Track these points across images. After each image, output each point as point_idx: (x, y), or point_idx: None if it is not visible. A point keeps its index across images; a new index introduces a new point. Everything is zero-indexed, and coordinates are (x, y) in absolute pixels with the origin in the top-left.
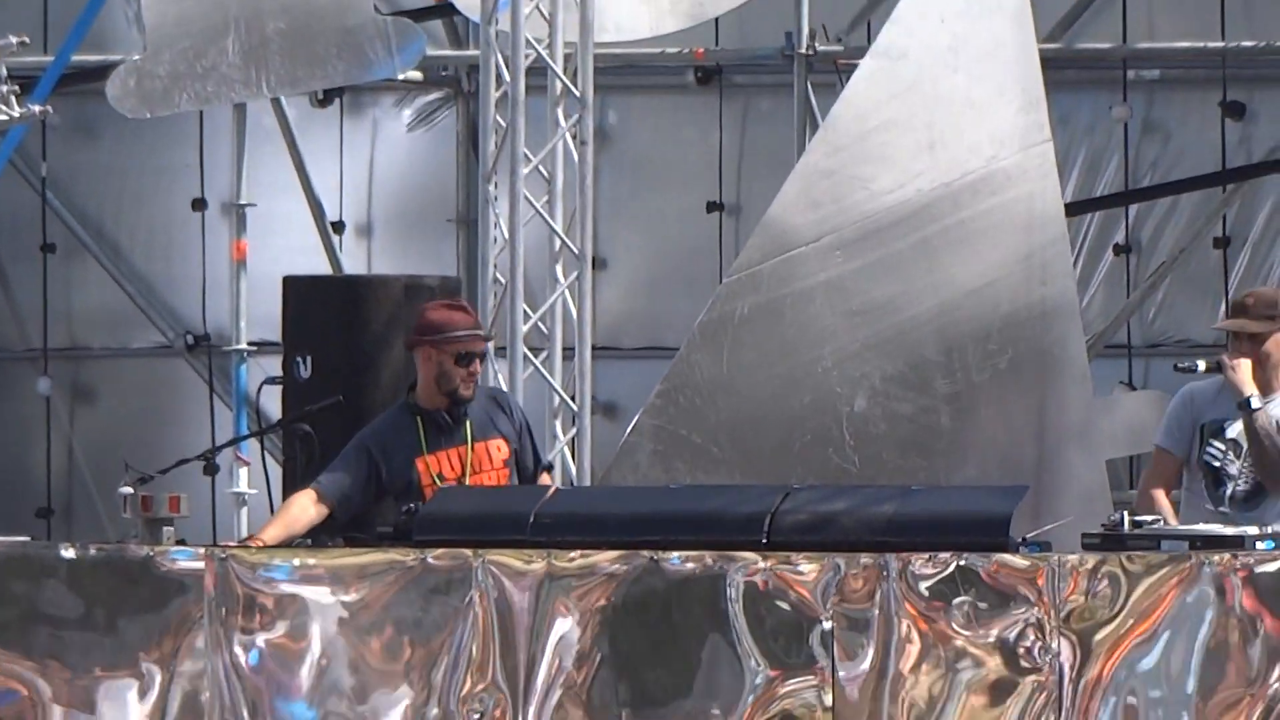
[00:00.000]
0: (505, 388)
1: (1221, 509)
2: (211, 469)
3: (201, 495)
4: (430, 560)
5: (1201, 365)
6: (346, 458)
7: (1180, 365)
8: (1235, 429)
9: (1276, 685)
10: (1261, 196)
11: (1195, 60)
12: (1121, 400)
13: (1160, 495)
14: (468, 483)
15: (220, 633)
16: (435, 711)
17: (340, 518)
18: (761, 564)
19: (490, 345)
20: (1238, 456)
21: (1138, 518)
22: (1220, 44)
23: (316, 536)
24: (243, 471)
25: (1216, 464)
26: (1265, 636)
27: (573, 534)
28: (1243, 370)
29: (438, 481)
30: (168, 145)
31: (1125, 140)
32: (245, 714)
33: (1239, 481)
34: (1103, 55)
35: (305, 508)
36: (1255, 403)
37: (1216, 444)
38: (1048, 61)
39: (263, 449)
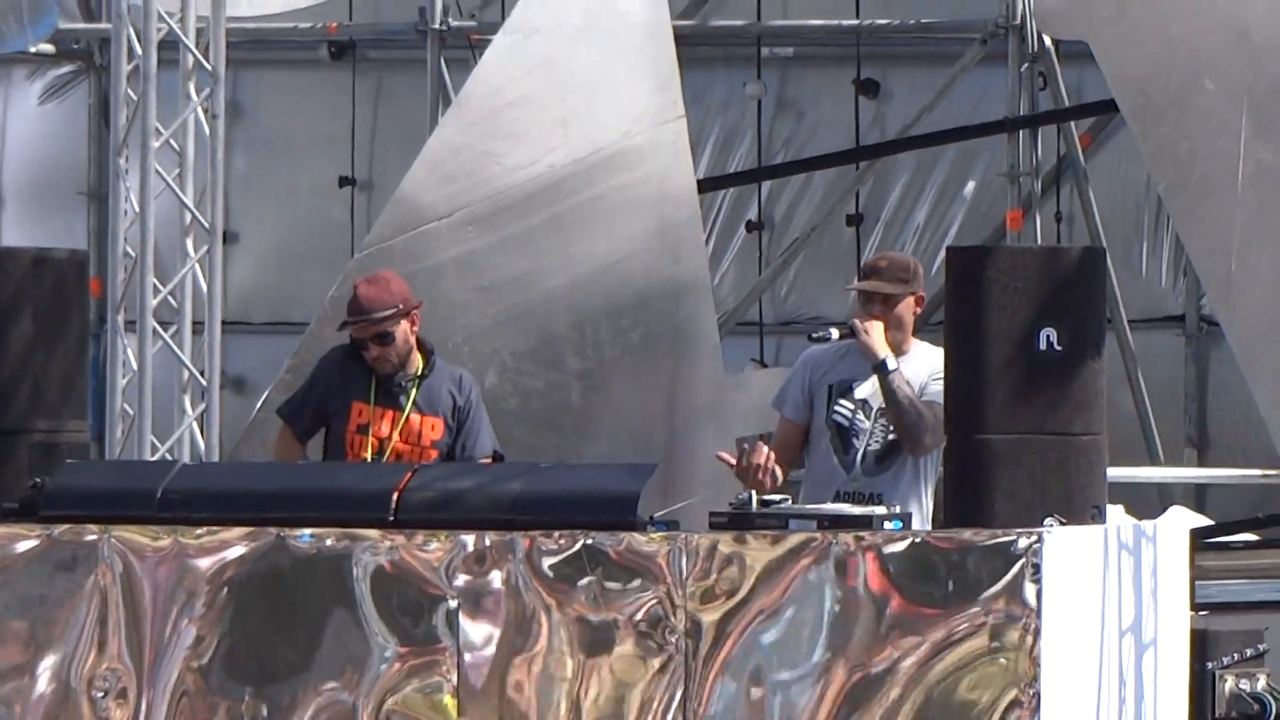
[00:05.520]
0: (135, 363)
1: (851, 472)
2: None
3: None
4: (55, 535)
5: (835, 333)
6: (307, 381)
7: (814, 335)
8: (864, 389)
9: (902, 662)
10: (894, 175)
11: (829, 38)
12: (753, 378)
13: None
14: (396, 449)
15: None
16: (57, 689)
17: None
18: (387, 542)
19: (121, 319)
20: (867, 416)
21: (766, 497)
22: (854, 22)
23: None
24: None
25: (845, 423)
26: (892, 615)
27: (201, 511)
28: (875, 333)
29: (362, 433)
30: None
31: (759, 117)
32: None
33: (871, 441)
34: (737, 32)
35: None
36: (891, 364)
37: (845, 403)
38: (681, 39)
39: None
